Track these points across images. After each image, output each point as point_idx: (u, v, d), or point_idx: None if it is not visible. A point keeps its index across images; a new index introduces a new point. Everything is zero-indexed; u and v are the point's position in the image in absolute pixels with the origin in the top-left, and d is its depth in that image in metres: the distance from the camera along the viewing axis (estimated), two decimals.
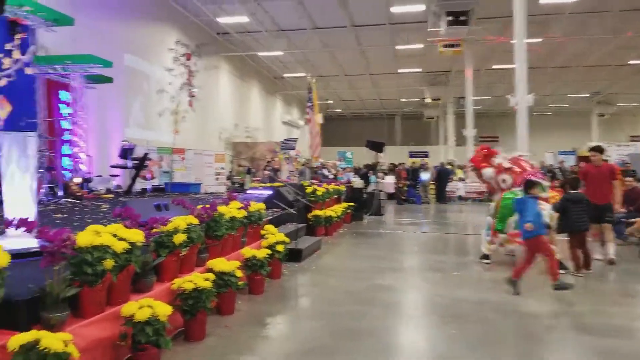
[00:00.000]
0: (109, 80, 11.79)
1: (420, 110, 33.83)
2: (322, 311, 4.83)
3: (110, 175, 10.63)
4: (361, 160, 24.10)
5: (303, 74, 26.34)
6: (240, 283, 4.54)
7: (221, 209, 4.91)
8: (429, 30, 17.39)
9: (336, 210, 10.04)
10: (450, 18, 16.14)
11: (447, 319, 4.44)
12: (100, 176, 10.70)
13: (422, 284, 5.92)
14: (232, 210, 5.18)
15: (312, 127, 11.46)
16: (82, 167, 9.92)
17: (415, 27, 18.74)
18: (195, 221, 4.35)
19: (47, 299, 2.72)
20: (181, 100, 13.00)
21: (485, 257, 6.87)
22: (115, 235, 3.26)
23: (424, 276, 6.37)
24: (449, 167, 20.68)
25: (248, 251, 5.20)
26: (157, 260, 3.83)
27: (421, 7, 16.70)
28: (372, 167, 19.65)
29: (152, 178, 12.76)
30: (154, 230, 3.84)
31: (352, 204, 12.04)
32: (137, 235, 3.39)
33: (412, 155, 29.55)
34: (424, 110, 32.26)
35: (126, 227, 3.50)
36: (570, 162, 21.32)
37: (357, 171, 21.20)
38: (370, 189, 15.32)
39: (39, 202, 7.44)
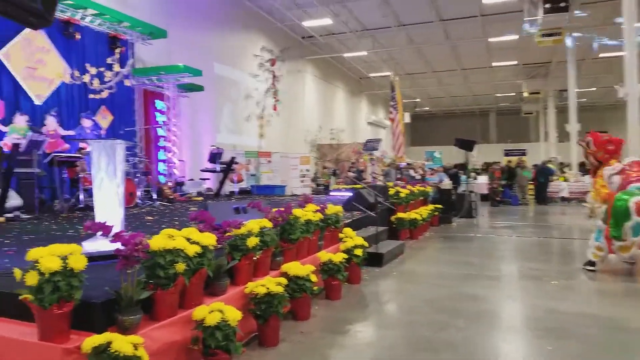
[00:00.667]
0: (200, 88, 12.41)
1: (518, 105, 31.90)
2: (401, 320, 4.60)
3: (201, 179, 11.16)
4: (451, 160, 23.19)
5: (388, 73, 26.02)
6: (315, 288, 4.45)
7: (296, 212, 4.85)
8: (525, 19, 16.29)
9: (422, 212, 9.65)
10: (548, 5, 14.97)
11: (541, 334, 4.01)
12: (192, 180, 11.26)
13: (514, 293, 5.45)
14: (307, 213, 5.11)
15: (396, 127, 11.15)
16: (175, 171, 10.49)
17: (509, 17, 17.67)
18: (269, 224, 4.32)
19: (121, 301, 2.79)
20: (266, 104, 13.33)
21: (591, 263, 6.17)
22: (188, 239, 3.30)
23: (517, 285, 5.87)
24: (550, 165, 19.22)
25: (324, 255, 5.10)
26: (230, 263, 3.84)
27: None
28: (463, 167, 18.77)
29: (240, 181, 13.20)
30: (228, 233, 3.85)
31: (439, 206, 11.54)
32: (209, 239, 3.41)
33: (507, 153, 27.85)
34: (522, 105, 30.36)
35: (200, 230, 3.54)
36: None
37: (446, 171, 20.44)
38: (461, 189, 14.63)
39: (135, 205, 8.00)
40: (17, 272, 2.55)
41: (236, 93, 15.50)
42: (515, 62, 24.30)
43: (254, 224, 4.14)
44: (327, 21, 18.18)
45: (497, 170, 17.76)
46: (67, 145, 8.09)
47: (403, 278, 6.19)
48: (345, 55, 23.29)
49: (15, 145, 6.10)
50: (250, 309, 3.75)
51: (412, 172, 18.77)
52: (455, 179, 16.40)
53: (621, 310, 4.51)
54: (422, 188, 11.36)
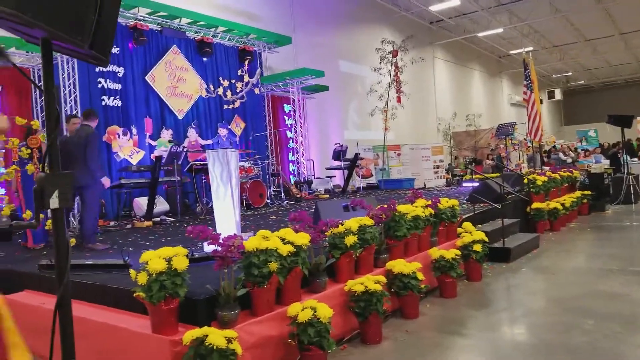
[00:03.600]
0: (325, 88, 12.79)
1: None
2: (522, 321, 4.24)
3: (327, 177, 11.51)
4: (609, 140, 20.51)
5: (531, 48, 23.89)
6: (422, 286, 4.34)
7: (401, 208, 4.77)
8: None
9: (565, 201, 8.70)
10: None
11: None
12: (319, 178, 11.68)
13: None
14: (416, 209, 4.98)
15: (531, 108, 10.21)
16: (303, 171, 10.98)
17: None
18: (370, 222, 4.32)
19: (220, 298, 3.06)
20: (390, 97, 13.22)
21: None
22: (282, 239, 3.47)
23: None
24: None
25: (435, 252, 4.92)
26: (329, 261, 3.94)
27: None
28: (629, 146, 16.38)
29: (368, 176, 13.32)
30: (325, 232, 3.95)
31: (588, 192, 10.29)
32: (302, 239, 3.54)
33: None
34: None
35: (295, 230, 3.69)
36: None
37: (604, 152, 18.13)
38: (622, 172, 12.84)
39: (265, 205, 8.59)
40: (132, 273, 2.95)
41: (362, 88, 15.64)
42: None
43: (353, 222, 4.18)
44: (455, 2, 17.36)
45: None
46: (205, 154, 9.03)
47: (532, 274, 5.69)
48: (480, 34, 21.96)
49: (158, 158, 7.01)
50: (350, 306, 3.81)
51: (561, 155, 17.02)
52: (614, 160, 14.45)
53: None
54: (566, 173, 10.25)
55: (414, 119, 18.23)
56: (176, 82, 9.52)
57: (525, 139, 17.02)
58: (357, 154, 11.11)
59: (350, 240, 3.97)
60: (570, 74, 31.40)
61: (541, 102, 31.76)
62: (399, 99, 13.46)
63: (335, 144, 11.36)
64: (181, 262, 2.94)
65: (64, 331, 1.81)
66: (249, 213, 7.71)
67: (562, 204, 8.47)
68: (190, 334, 2.73)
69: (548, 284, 5.24)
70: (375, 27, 16.81)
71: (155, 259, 2.91)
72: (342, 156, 10.92)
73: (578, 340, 3.58)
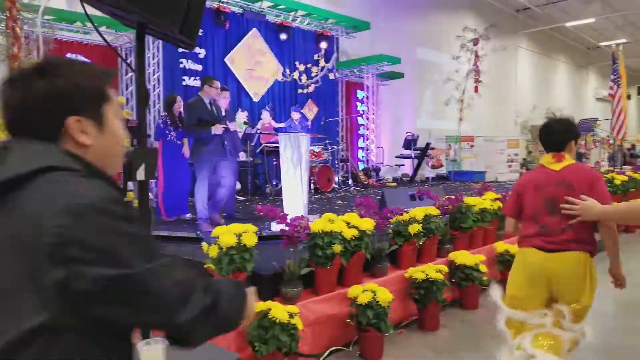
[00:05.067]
0: (400, 75, 12.67)
1: None
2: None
3: (396, 165, 11.48)
4: None
5: (624, 40, 22.14)
6: (485, 278, 4.33)
7: (469, 200, 4.74)
8: None
9: None
10: None
11: None
12: (388, 166, 11.67)
13: None
14: (484, 201, 4.94)
15: (617, 104, 9.59)
16: (372, 157, 11.03)
17: None
18: (436, 212, 4.35)
19: (284, 275, 3.25)
20: (467, 87, 12.87)
21: None
22: (347, 223, 3.61)
23: None
24: None
25: (501, 245, 4.87)
26: (391, 247, 4.03)
27: None
28: None
29: (439, 166, 13.12)
30: (390, 219, 4.04)
31: None
32: (367, 224, 3.66)
33: None
34: None
35: (360, 215, 3.81)
36: None
37: None
38: None
39: (332, 190, 8.76)
40: (205, 246, 3.20)
41: (439, 76, 15.28)
42: None
43: (419, 211, 4.23)
44: None
45: None
46: (277, 137, 9.32)
47: (599, 275, 5.45)
48: (568, 24, 20.63)
49: None
50: (410, 293, 3.90)
51: None
52: None
53: None
54: None
55: (490, 110, 17.57)
56: (254, 64, 9.86)
57: (607, 137, 15.97)
58: (428, 144, 10.98)
59: (414, 228, 4.04)
60: None
61: (629, 98, 29.49)
62: (476, 89, 13.07)
63: (407, 133, 11.29)
64: (250, 238, 3.15)
65: None
66: (316, 197, 7.91)
67: None
68: (256, 306, 2.93)
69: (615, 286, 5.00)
70: (458, 14, 16.28)
71: (226, 234, 3.12)
72: (412, 145, 10.85)
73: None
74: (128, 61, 8.39)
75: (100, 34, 2.07)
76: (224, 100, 5.89)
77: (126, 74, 8.88)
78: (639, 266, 5.71)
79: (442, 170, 13.37)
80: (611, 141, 14.09)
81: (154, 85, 8.30)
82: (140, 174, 1.77)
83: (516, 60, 19.97)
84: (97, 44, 8.23)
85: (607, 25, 20.84)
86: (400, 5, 13.99)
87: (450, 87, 13.33)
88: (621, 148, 13.02)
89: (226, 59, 9.51)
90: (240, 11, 9.71)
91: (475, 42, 13.07)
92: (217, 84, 5.52)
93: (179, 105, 6.00)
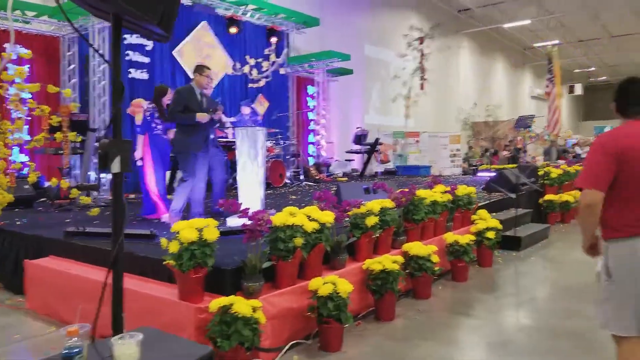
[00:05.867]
0: (349, 72, 12.84)
1: None
2: (527, 306, 4.43)
3: (347, 160, 11.65)
4: None
5: (556, 41, 23.50)
6: (436, 268, 4.51)
7: (420, 192, 4.92)
8: None
9: (576, 194, 8.77)
10: None
11: None
12: (338, 161, 11.83)
13: None
14: (434, 194, 5.13)
15: (552, 101, 10.21)
16: (323, 153, 11.13)
17: None
18: (391, 204, 4.48)
19: (246, 269, 3.25)
20: (413, 84, 13.24)
21: None
22: (308, 216, 3.65)
23: None
24: None
25: (450, 236, 5.09)
26: (350, 240, 4.12)
27: None
28: None
29: (386, 161, 13.42)
30: (348, 212, 4.13)
31: None
32: (327, 217, 3.72)
33: None
34: None
35: (320, 209, 3.87)
36: None
37: None
38: None
39: (284, 185, 8.78)
40: (164, 241, 3.14)
41: (385, 74, 15.63)
42: None
43: (375, 203, 4.34)
44: None
45: None
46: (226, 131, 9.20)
47: (540, 263, 5.87)
48: (506, 25, 21.66)
49: None
50: (368, 284, 4.00)
51: (578, 150, 16.94)
52: None
53: None
54: (580, 167, 10.27)
55: (435, 107, 18.19)
56: (203, 58, 9.68)
57: (542, 132, 16.96)
58: (377, 139, 11.22)
59: (372, 221, 4.14)
60: (593, 69, 30.87)
61: (562, 96, 31.30)
62: (422, 86, 13.48)
63: (357, 128, 11.48)
64: (212, 233, 3.12)
65: (116, 288, 1.99)
66: (268, 192, 7.91)
67: (575, 197, 8.55)
68: (217, 302, 2.90)
69: (555, 272, 5.39)
70: (404, 13, 16.69)
71: (187, 229, 3.08)
72: (362, 140, 11.04)
73: (579, 325, 3.76)
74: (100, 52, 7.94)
75: (73, 26, 2.00)
76: (208, 91, 5.61)
77: (69, 65, 8.48)
78: (574, 255, 6.17)
79: (390, 165, 13.69)
80: (546, 137, 14.95)
81: (99, 78, 7.98)
82: (116, 166, 1.73)
83: (458, 59, 20.73)
84: (37, 33, 7.81)
85: (541, 27, 22.06)
86: (348, 2, 14.17)
87: (397, 84, 13.67)
88: (555, 143, 13.83)
89: (174, 52, 9.29)
90: (190, 3, 9.50)
91: (421, 41, 13.48)
92: (209, 72, 5.32)
93: (169, 98, 5.64)
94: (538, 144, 16.25)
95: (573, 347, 3.42)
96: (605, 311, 2.27)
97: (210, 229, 3.12)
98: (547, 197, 8.09)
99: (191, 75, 9.46)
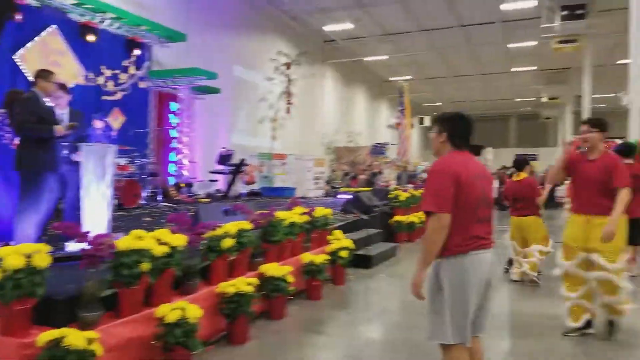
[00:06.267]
0: (216, 90, 12.66)
1: (537, 110, 31.46)
2: (376, 320, 4.74)
3: (210, 181, 11.41)
4: None
5: (409, 77, 25.96)
6: (291, 288, 4.60)
7: (279, 214, 5.00)
8: (542, 26, 16.11)
9: (420, 215, 9.70)
10: (565, 12, 14.80)
11: (517, 334, 4.06)
12: (202, 181, 11.53)
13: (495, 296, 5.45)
14: (293, 215, 5.25)
15: (402, 131, 11.22)
16: (185, 172, 10.77)
17: (528, 24, 17.48)
18: (249, 226, 4.48)
19: (82, 298, 2.98)
20: (280, 107, 13.54)
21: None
22: (158, 240, 3.48)
23: (502, 288, 5.87)
24: None
25: (307, 256, 5.24)
26: (203, 263, 4.02)
27: (532, 3, 15.54)
28: None
29: (252, 183, 13.45)
30: (203, 235, 4.03)
31: None
32: (179, 240, 3.58)
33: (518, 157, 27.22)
34: (541, 110, 29.90)
35: (173, 231, 3.72)
36: None
37: None
38: None
39: (139, 206, 8.29)
40: None
41: (253, 95, 15.76)
42: (535, 68, 23.94)
43: (232, 225, 4.30)
44: (348, 25, 18.31)
45: (505, 174, 17.58)
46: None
47: (388, 280, 6.33)
48: (366, 59, 23.35)
49: None
50: (221, 308, 3.92)
51: (425, 175, 18.75)
52: None
53: None
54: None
55: (300, 131, 18.77)
56: (50, 64, 8.79)
57: (395, 159, 18.49)
58: (242, 160, 11.18)
59: (227, 243, 4.09)
60: (440, 104, 34.68)
61: (412, 127, 34.46)
62: (288, 110, 13.83)
63: (222, 148, 11.32)
64: (42, 260, 2.82)
65: None
66: (120, 214, 7.40)
67: (419, 218, 9.41)
68: (46, 335, 2.63)
69: (401, 288, 5.84)
70: (273, 38, 17.08)
71: (12, 255, 2.74)
72: (226, 160, 10.92)
73: (420, 338, 4.10)
74: None
75: None
76: (61, 100, 4.88)
77: None
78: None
79: (255, 187, 13.73)
80: (398, 163, 16.29)
81: None
82: None
83: (323, 87, 21.75)
84: None
85: (396, 63, 24.20)
86: (217, 22, 14.09)
87: (264, 107, 13.86)
88: (405, 169, 15.12)
89: (15, 56, 8.32)
90: (38, 4, 8.62)
91: (288, 66, 13.88)
92: (55, 77, 4.71)
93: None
94: (393, 169, 17.62)
95: (409, 356, 3.71)
96: (434, 322, 2.51)
97: (41, 255, 2.82)
98: (396, 218, 8.78)
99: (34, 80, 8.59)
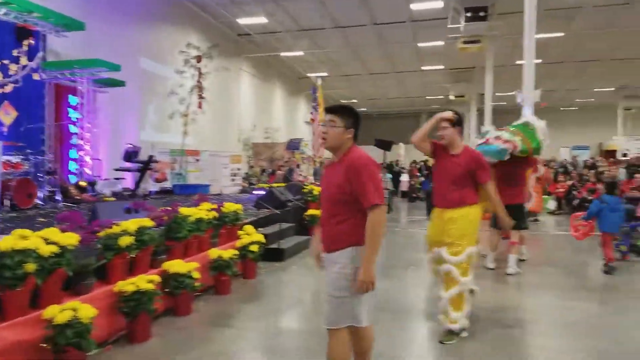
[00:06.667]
0: (121, 83, 12.03)
1: (446, 108, 33.17)
2: (287, 311, 4.80)
3: (116, 179, 10.85)
4: (378, 159, 23.82)
5: (326, 74, 26.34)
6: (197, 284, 4.53)
7: (184, 210, 4.89)
8: (449, 27, 17.01)
9: None
10: (469, 14, 15.74)
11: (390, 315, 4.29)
12: (107, 179, 10.94)
13: (397, 282, 5.73)
14: (199, 211, 5.17)
15: (316, 127, 11.38)
16: (87, 170, 10.17)
17: (436, 24, 18.37)
18: (150, 223, 4.34)
19: None
20: (191, 102, 13.17)
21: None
22: (45, 239, 3.28)
23: (401, 274, 6.17)
24: None
25: (214, 252, 5.18)
26: (99, 262, 3.84)
27: (439, 4, 16.36)
28: (389, 166, 19.42)
29: (163, 180, 13.00)
30: (98, 233, 3.85)
31: None
32: (69, 239, 3.40)
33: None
34: (450, 108, 31.57)
35: (63, 230, 3.51)
36: (584, 156, 20.74)
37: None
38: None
39: (34, 207, 7.70)
40: None
41: (163, 89, 15.17)
42: (442, 67, 25.27)
43: (131, 223, 4.15)
44: (262, 19, 18.15)
45: (415, 168, 18.49)
46: None
47: (300, 272, 6.41)
48: (282, 54, 23.33)
49: None
50: (120, 307, 3.77)
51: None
52: None
53: None
54: None
55: (215, 127, 18.37)
56: None
57: (312, 155, 18.74)
58: (151, 156, 10.72)
59: (125, 241, 3.95)
60: (355, 101, 35.58)
61: None
62: (200, 105, 13.45)
63: (128, 144, 10.79)
64: None
65: None
66: (12, 215, 6.85)
67: None
68: None
69: (314, 279, 5.94)
70: (182, 30, 16.53)
71: None
72: (133, 157, 10.42)
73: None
74: None
75: None
76: None
77: None
78: None
79: (167, 184, 13.28)
80: (314, 158, 16.50)
81: None
82: None
83: (239, 81, 21.46)
84: None
85: (313, 59, 24.42)
86: (120, 10, 13.39)
87: (174, 101, 13.39)
88: (321, 164, 15.36)
89: None
90: None
91: (198, 59, 13.47)
92: None
93: None
94: (310, 164, 17.80)
95: (317, 344, 3.79)
96: (350, 308, 2.59)
97: None
98: (310, 211, 8.90)
99: None
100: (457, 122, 3.95)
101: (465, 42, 17.02)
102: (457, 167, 3.82)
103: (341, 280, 2.58)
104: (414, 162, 21.00)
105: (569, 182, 13.76)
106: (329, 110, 2.73)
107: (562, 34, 17.47)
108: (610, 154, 27.28)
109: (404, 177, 18.17)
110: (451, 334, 3.80)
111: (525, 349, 3.78)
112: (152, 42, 15.02)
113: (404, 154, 27.37)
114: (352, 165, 2.54)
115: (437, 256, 3.92)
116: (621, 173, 13.28)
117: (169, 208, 4.79)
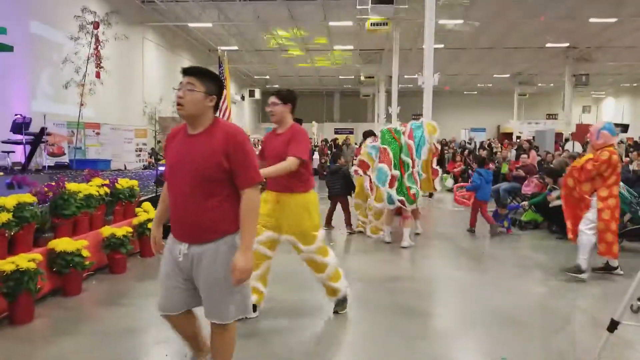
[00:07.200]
0: (9, 48, 10.96)
1: (358, 88, 34.08)
2: None
3: (4, 152, 9.99)
4: None
5: (236, 48, 25.80)
6: (87, 263, 4.40)
7: (71, 186, 4.69)
8: (357, 7, 17.33)
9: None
10: None
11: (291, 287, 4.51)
12: None
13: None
14: (90, 187, 4.97)
15: (222, 102, 11.18)
16: None
17: (346, 4, 18.59)
18: (32, 199, 4.13)
19: None
20: (88, 71, 12.35)
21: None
22: None
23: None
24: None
25: (107, 230, 5.03)
26: None
27: None
28: None
29: (61, 154, 12.18)
30: None
31: None
32: None
33: (337, 131, 29.73)
34: (361, 88, 32.48)
35: None
36: (480, 138, 22.94)
37: None
38: None
39: None
40: None
41: (58, 57, 14.04)
42: (352, 47, 25.78)
43: (10, 199, 3.93)
44: None
45: (325, 147, 18.94)
46: None
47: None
48: (191, 25, 22.45)
49: None
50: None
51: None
52: None
53: None
54: None
55: (117, 98, 17.38)
56: None
57: None
58: (43, 129, 9.97)
59: (3, 218, 3.73)
60: (268, 77, 35.31)
61: (243, 98, 34.58)
62: (98, 75, 12.63)
63: (16, 115, 9.93)
64: None
65: None
66: None
67: None
68: None
69: None
70: None
71: None
72: (23, 129, 9.64)
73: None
74: None
75: None
76: None
77: None
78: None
79: (64, 159, 12.46)
80: None
81: None
82: None
83: (143, 51, 20.39)
84: None
85: (223, 32, 23.76)
86: None
87: (70, 70, 12.46)
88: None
89: None
90: None
91: (95, 26, 12.56)
92: None
93: None
94: None
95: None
96: (240, 299, 2.38)
97: None
98: None
99: None
100: (286, 99, 3.69)
101: (373, 24, 17.50)
102: (280, 145, 3.58)
103: (224, 272, 2.29)
104: (325, 140, 21.42)
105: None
106: (187, 71, 2.30)
107: (461, 21, 18.51)
108: (506, 136, 29.82)
109: (315, 156, 18.53)
110: (342, 302, 4.05)
111: (412, 315, 4.13)
112: (43, 4, 13.82)
113: (316, 132, 27.78)
114: (231, 139, 2.23)
115: (269, 240, 3.74)
116: (511, 154, 14.56)
117: (53, 183, 4.56)
